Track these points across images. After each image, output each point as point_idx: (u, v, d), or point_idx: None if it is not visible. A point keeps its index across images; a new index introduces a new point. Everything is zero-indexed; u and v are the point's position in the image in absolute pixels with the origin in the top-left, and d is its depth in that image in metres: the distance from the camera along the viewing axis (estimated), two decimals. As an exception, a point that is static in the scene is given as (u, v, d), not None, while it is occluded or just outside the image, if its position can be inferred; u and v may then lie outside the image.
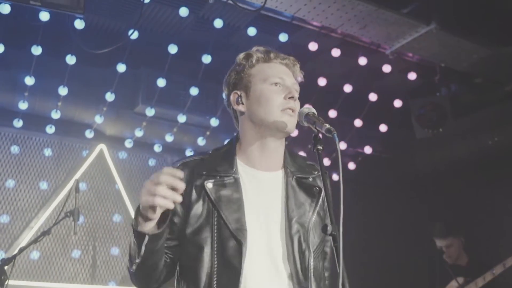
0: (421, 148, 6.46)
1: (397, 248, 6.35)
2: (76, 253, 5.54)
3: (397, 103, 6.24)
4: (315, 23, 5.29)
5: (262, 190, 2.12)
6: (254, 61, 2.21)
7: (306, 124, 2.05)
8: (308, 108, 2.06)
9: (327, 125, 1.93)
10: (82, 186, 5.66)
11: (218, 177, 2.08)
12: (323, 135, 1.96)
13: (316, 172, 2.23)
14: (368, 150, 6.58)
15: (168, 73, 5.38)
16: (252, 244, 1.99)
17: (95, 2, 4.72)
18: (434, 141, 6.17)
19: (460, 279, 5.18)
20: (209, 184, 2.06)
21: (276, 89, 2.14)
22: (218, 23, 5.18)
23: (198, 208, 2.05)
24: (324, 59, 5.80)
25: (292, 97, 2.13)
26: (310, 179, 2.20)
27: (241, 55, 2.25)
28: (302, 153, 4.37)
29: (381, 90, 6.19)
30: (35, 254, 5.34)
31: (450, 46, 5.53)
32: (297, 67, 2.28)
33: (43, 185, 5.50)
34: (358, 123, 6.30)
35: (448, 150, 6.30)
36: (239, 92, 2.20)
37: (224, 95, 2.30)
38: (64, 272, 5.46)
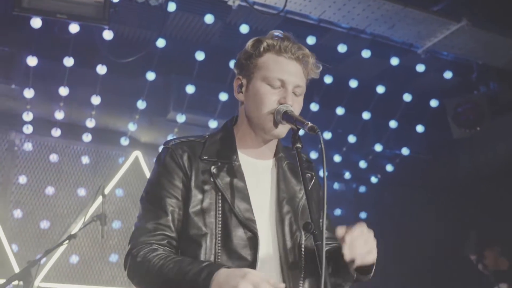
0: (460, 149, 6.27)
1: (437, 251, 6.18)
2: (113, 257, 5.70)
3: (434, 103, 6.09)
4: (342, 25, 5.26)
5: (259, 178, 2.09)
6: (262, 50, 2.07)
7: (284, 123, 2.01)
8: (285, 106, 2.01)
9: (310, 123, 1.90)
10: (119, 192, 5.82)
11: (220, 163, 2.03)
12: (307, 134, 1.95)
13: (311, 164, 2.24)
14: (405, 151, 6.44)
15: (197, 79, 5.47)
16: (262, 236, 1.97)
17: (122, 13, 4.84)
18: (474, 141, 5.98)
19: (504, 286, 5.00)
20: (214, 170, 2.01)
21: (273, 91, 2.05)
22: (244, 28, 5.23)
23: (201, 192, 2.00)
24: (355, 61, 5.74)
25: (285, 103, 2.03)
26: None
27: (250, 42, 2.12)
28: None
29: (416, 90, 6.06)
30: (74, 258, 5.53)
31: (485, 42, 5.35)
32: (310, 62, 2.11)
33: (81, 192, 5.69)
34: (393, 124, 6.19)
35: (488, 150, 6.08)
36: (241, 80, 2.12)
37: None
38: (102, 276, 5.63)
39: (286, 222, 2.03)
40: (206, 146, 2.09)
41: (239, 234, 1.96)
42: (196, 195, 2.00)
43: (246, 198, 2.01)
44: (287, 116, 1.99)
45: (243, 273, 1.69)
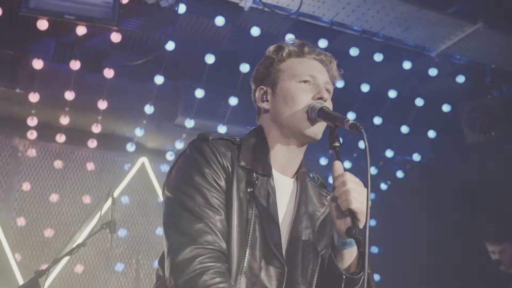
0: (473, 155, 6.15)
1: (448, 258, 6.05)
2: (119, 266, 5.53)
3: (446, 108, 5.98)
4: (355, 27, 5.15)
5: (280, 198, 1.95)
6: (284, 55, 2.03)
7: (320, 120, 1.89)
8: (320, 102, 1.90)
9: (351, 120, 1.77)
10: (125, 199, 5.67)
11: (254, 174, 1.88)
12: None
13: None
14: (416, 157, 6.32)
15: (206, 83, 5.34)
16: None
17: (131, 15, 4.72)
18: (486, 146, 5.86)
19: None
20: (257, 182, 1.86)
21: (305, 87, 1.95)
22: (255, 31, 5.10)
23: (239, 206, 1.83)
24: (367, 65, 5.62)
25: (321, 98, 1.93)
26: (324, 192, 2.07)
27: (272, 48, 2.07)
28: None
29: (428, 94, 5.94)
30: (79, 268, 5.35)
31: (500, 45, 5.26)
32: (334, 64, 2.08)
33: (86, 199, 5.52)
34: (405, 129, 6.07)
35: (501, 156, 5.97)
36: (265, 88, 2.03)
37: (252, 90, 2.13)
38: (108, 286, 5.46)
39: (301, 241, 1.92)
40: (242, 150, 1.93)
41: (267, 258, 1.83)
42: (234, 207, 1.82)
43: (276, 224, 1.88)
44: (323, 113, 1.87)
45: None
